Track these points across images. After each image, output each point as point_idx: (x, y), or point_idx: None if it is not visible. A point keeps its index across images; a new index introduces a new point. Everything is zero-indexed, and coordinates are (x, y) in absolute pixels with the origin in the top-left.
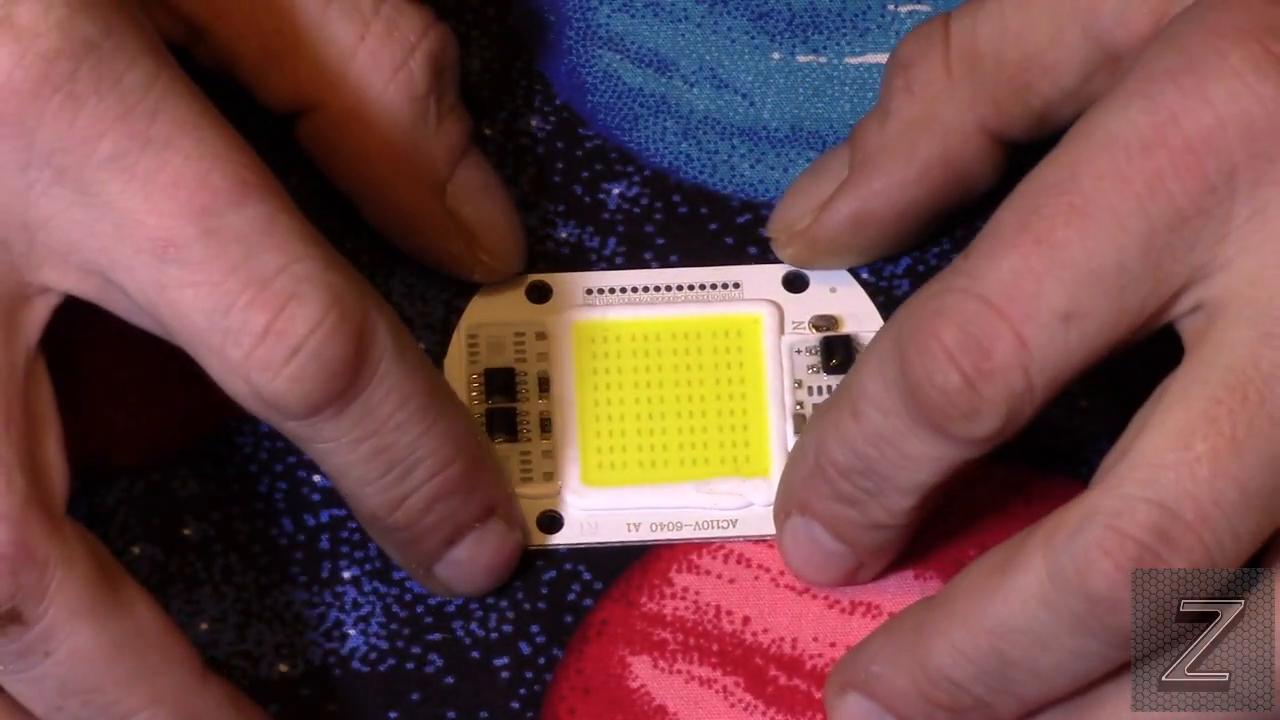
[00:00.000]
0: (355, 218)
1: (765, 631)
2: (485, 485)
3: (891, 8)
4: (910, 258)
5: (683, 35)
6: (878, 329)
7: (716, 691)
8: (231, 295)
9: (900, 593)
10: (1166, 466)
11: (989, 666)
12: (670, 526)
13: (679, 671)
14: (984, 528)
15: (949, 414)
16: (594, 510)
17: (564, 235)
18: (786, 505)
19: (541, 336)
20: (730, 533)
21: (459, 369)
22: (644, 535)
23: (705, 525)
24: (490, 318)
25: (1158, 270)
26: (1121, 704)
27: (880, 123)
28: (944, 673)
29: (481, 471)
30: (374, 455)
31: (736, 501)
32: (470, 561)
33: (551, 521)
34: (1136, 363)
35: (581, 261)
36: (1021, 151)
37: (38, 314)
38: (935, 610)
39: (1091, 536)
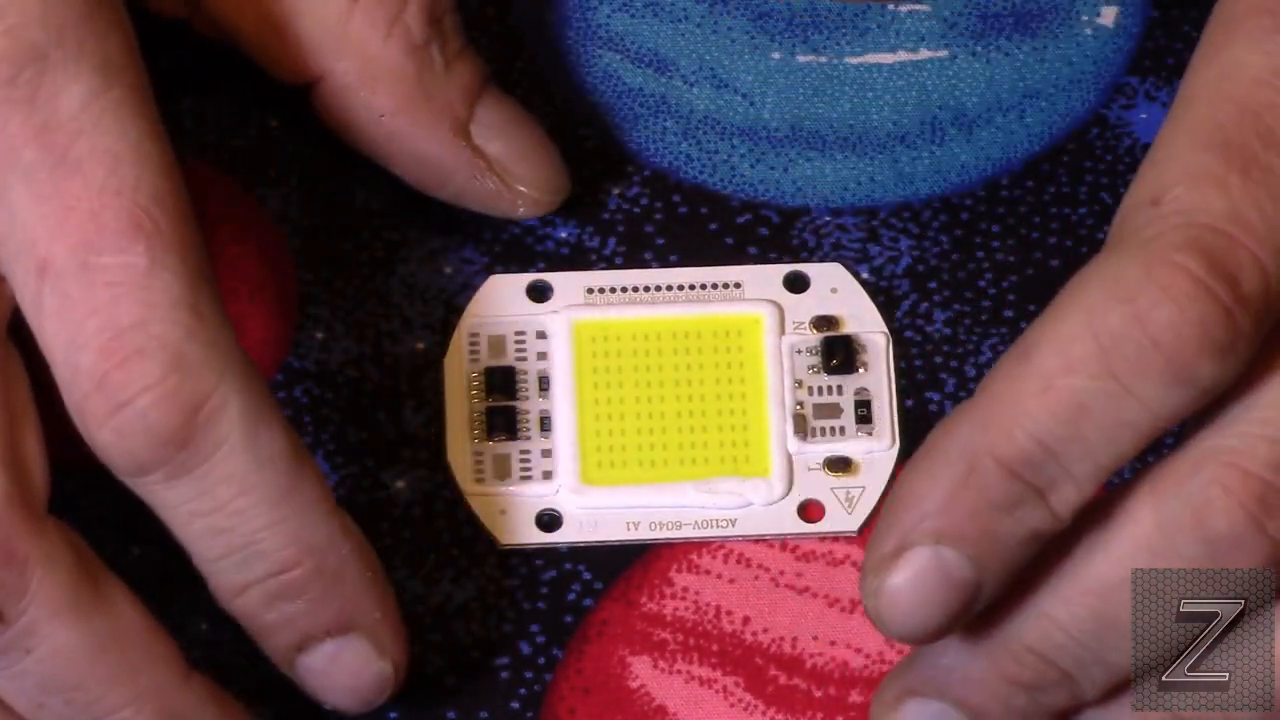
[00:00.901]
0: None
1: (765, 631)
2: (340, 599)
3: (891, 8)
4: (910, 257)
5: (683, 35)
6: (879, 329)
7: (716, 691)
8: (85, 336)
9: None
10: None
11: (1084, 632)
12: (669, 526)
13: (679, 671)
14: None
15: (1204, 350)
16: (593, 509)
17: (564, 235)
18: (908, 535)
19: (542, 335)
20: (729, 532)
21: (459, 367)
22: (643, 534)
23: (704, 525)
24: (491, 316)
25: None
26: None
27: None
28: (1030, 646)
29: (338, 583)
30: (211, 535)
31: (736, 501)
32: (324, 675)
33: (551, 520)
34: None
35: (581, 261)
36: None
37: (5, 299)
38: (1020, 591)
39: (1210, 474)
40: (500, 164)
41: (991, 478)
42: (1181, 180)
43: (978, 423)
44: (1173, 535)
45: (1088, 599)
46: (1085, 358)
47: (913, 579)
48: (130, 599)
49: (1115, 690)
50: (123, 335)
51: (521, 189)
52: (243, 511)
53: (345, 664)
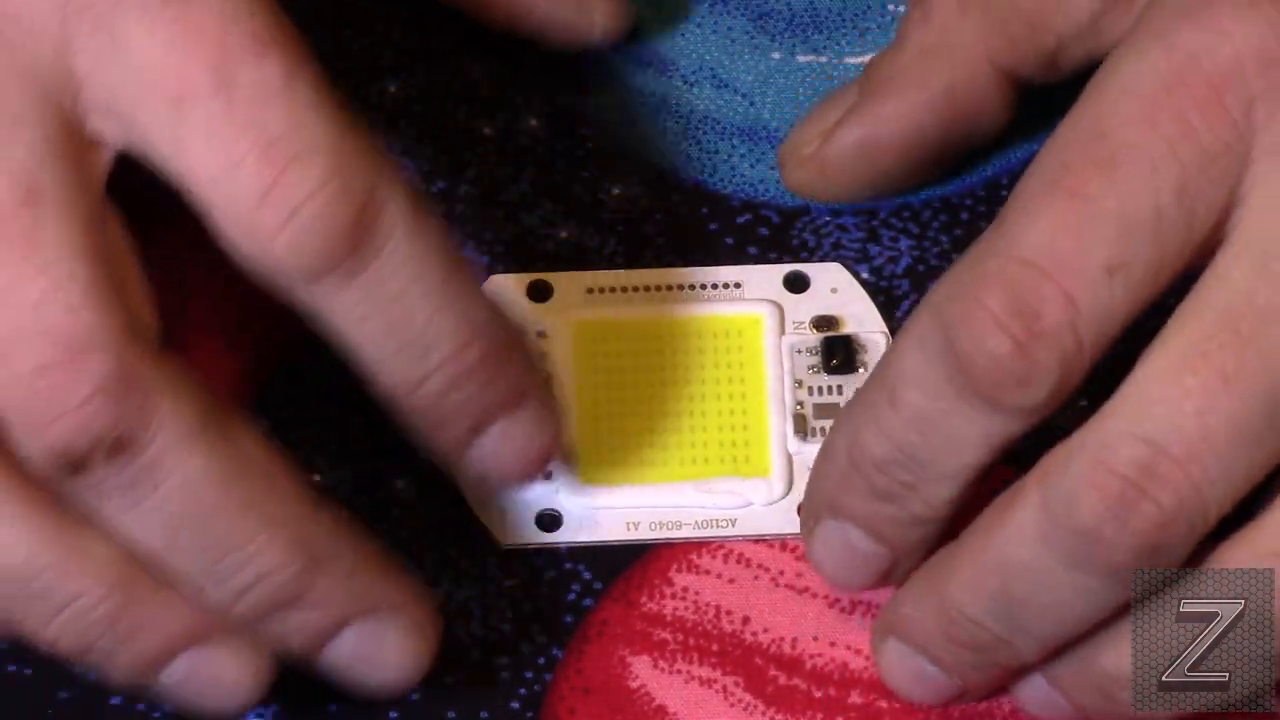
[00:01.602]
0: None
1: (765, 631)
2: (511, 372)
3: (891, 8)
4: (910, 257)
5: (683, 35)
6: (879, 329)
7: (716, 691)
8: (239, 152)
9: None
10: (1154, 401)
11: (999, 604)
12: (669, 525)
13: (679, 671)
14: None
15: (1002, 382)
16: (593, 508)
17: (564, 235)
18: (816, 510)
19: (542, 335)
20: (729, 532)
21: None
22: (643, 534)
23: (704, 525)
24: None
25: (1191, 215)
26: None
27: (894, 52)
28: (962, 610)
29: (507, 357)
30: (386, 331)
31: (736, 501)
32: (501, 451)
33: (550, 520)
34: (1136, 363)
35: (581, 261)
36: (1031, 97)
37: (102, 161)
38: (953, 550)
39: (1078, 470)
40: None
41: (867, 472)
42: (1018, 205)
43: (851, 423)
44: (1053, 524)
45: (997, 574)
46: (917, 374)
47: (827, 549)
48: (255, 431)
49: (1060, 650)
50: (276, 144)
51: (598, 18)
52: (415, 301)
53: (517, 437)
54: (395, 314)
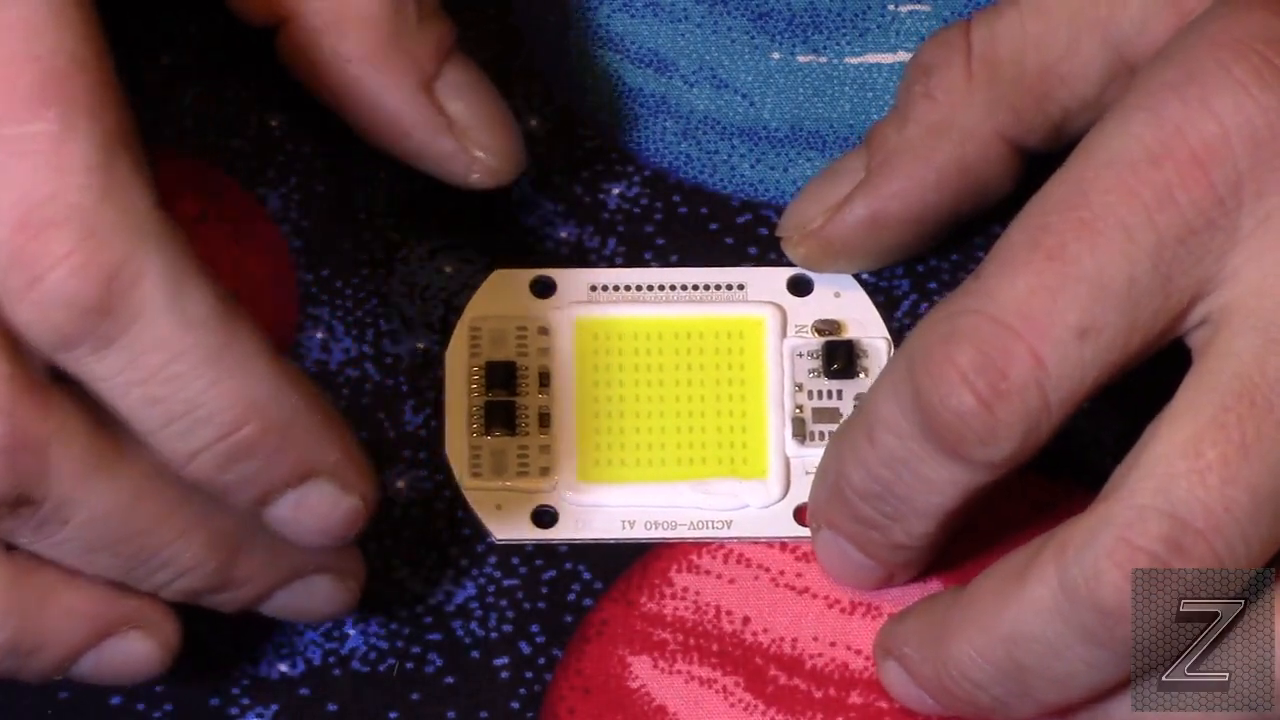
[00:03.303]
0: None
1: (765, 631)
2: (295, 450)
3: (891, 8)
4: None
5: (683, 35)
6: (880, 334)
7: (716, 691)
8: (1, 211)
9: (901, 594)
10: (1177, 475)
11: (1005, 672)
12: (665, 525)
13: (679, 671)
14: (986, 531)
15: (965, 438)
16: (589, 506)
17: (564, 235)
18: (816, 519)
19: (544, 331)
20: (725, 533)
21: (460, 361)
22: (638, 533)
23: (700, 525)
24: (493, 311)
25: (1168, 283)
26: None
27: (899, 126)
28: (964, 673)
29: (290, 435)
30: (149, 405)
31: (732, 502)
32: (292, 522)
33: (546, 516)
34: (1140, 368)
35: (581, 261)
36: (1039, 162)
37: None
38: (958, 610)
39: (1102, 548)
40: (460, 125)
41: (850, 499)
42: (994, 259)
43: (836, 452)
44: (1072, 599)
45: (1006, 646)
46: (891, 420)
47: (826, 554)
48: (146, 447)
49: (1059, 713)
50: (36, 208)
51: (479, 154)
52: (178, 377)
53: (312, 508)
54: (157, 389)
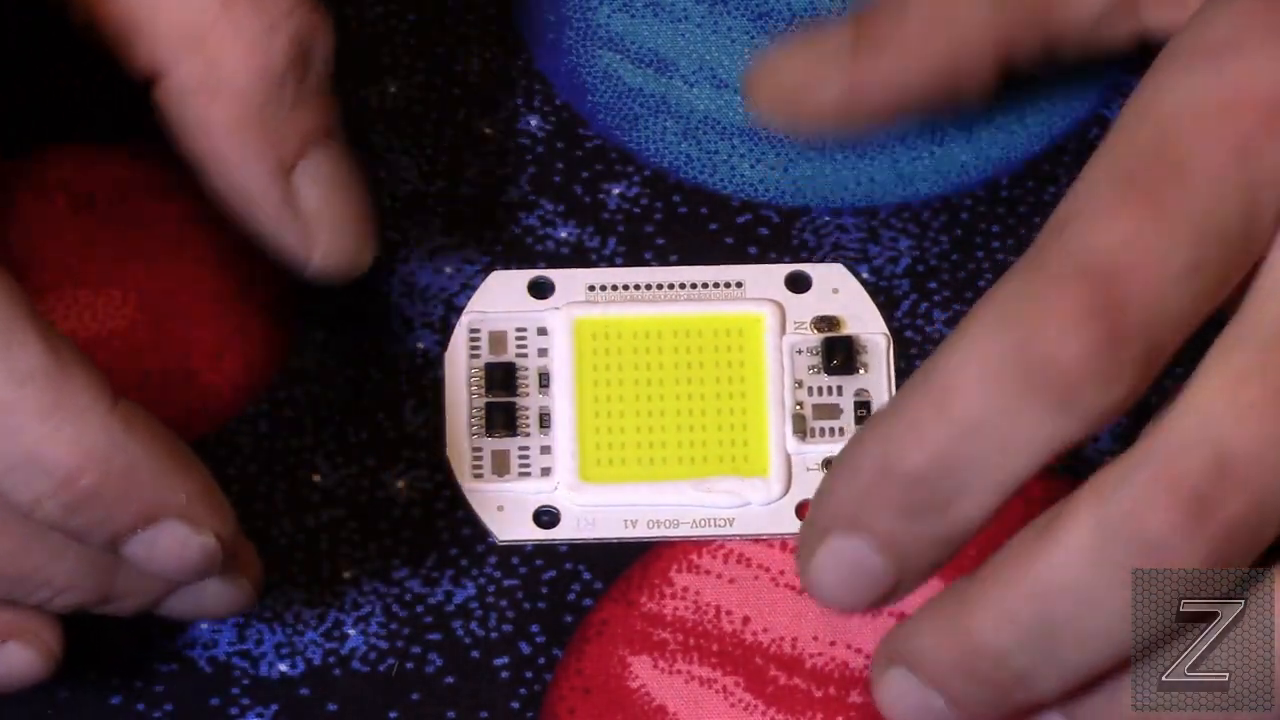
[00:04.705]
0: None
1: (765, 631)
2: (138, 494)
3: None
4: (910, 257)
5: (683, 35)
6: (880, 330)
7: (716, 691)
8: None
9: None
10: (1220, 412)
11: (1032, 634)
12: (667, 524)
13: (679, 671)
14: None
15: (1083, 380)
16: (590, 506)
17: (564, 235)
18: (827, 525)
19: (543, 332)
20: (727, 531)
21: (459, 362)
22: (640, 532)
23: (702, 524)
24: (492, 312)
25: (1253, 227)
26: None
27: (896, 13)
28: (986, 643)
29: (132, 480)
30: None
31: (734, 500)
32: (147, 560)
33: (548, 517)
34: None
35: (581, 261)
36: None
37: None
38: (979, 580)
39: (1143, 481)
40: (308, 217)
41: (895, 489)
42: (1085, 208)
43: (883, 435)
44: (1111, 538)
45: (1035, 603)
46: (974, 382)
47: (832, 565)
48: None
49: (1079, 689)
50: None
51: (318, 254)
52: (13, 429)
53: (164, 548)
54: None
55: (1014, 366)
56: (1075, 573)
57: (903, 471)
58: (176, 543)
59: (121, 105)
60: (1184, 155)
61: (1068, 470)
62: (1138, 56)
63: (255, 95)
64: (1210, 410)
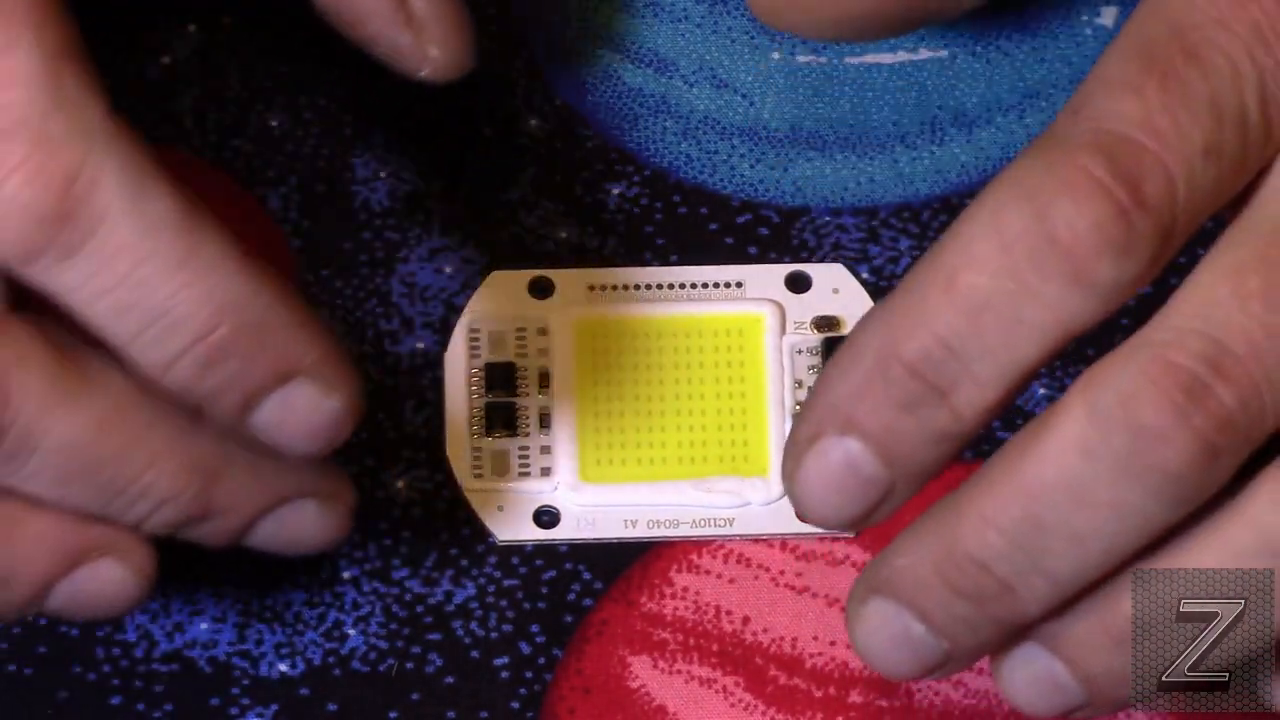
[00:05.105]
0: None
1: (765, 631)
2: (273, 348)
3: None
4: (910, 258)
5: (683, 35)
6: None
7: (716, 691)
8: None
9: None
10: (1218, 301)
11: (1019, 536)
12: (667, 524)
13: (679, 671)
14: None
15: (1103, 249)
16: (591, 506)
17: (564, 235)
18: (820, 425)
19: (543, 332)
20: (727, 531)
21: (460, 363)
22: (640, 532)
23: (702, 523)
24: (492, 312)
25: (1266, 116)
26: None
27: None
28: (969, 551)
29: (266, 334)
30: (120, 312)
31: (734, 500)
32: (278, 426)
33: (548, 517)
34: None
35: (581, 261)
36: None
37: None
38: (966, 487)
39: (1139, 366)
40: (419, 20)
41: (895, 376)
42: (1099, 88)
43: (884, 320)
44: (1102, 428)
45: (1021, 499)
46: (986, 255)
47: (822, 469)
48: (116, 370)
49: (1062, 605)
50: None
51: (432, 51)
52: (145, 281)
53: (295, 410)
54: (126, 295)
55: (1026, 240)
56: (1066, 468)
57: (905, 355)
58: (309, 404)
59: None
60: (1199, 41)
61: None
62: None
63: None
64: (1209, 298)
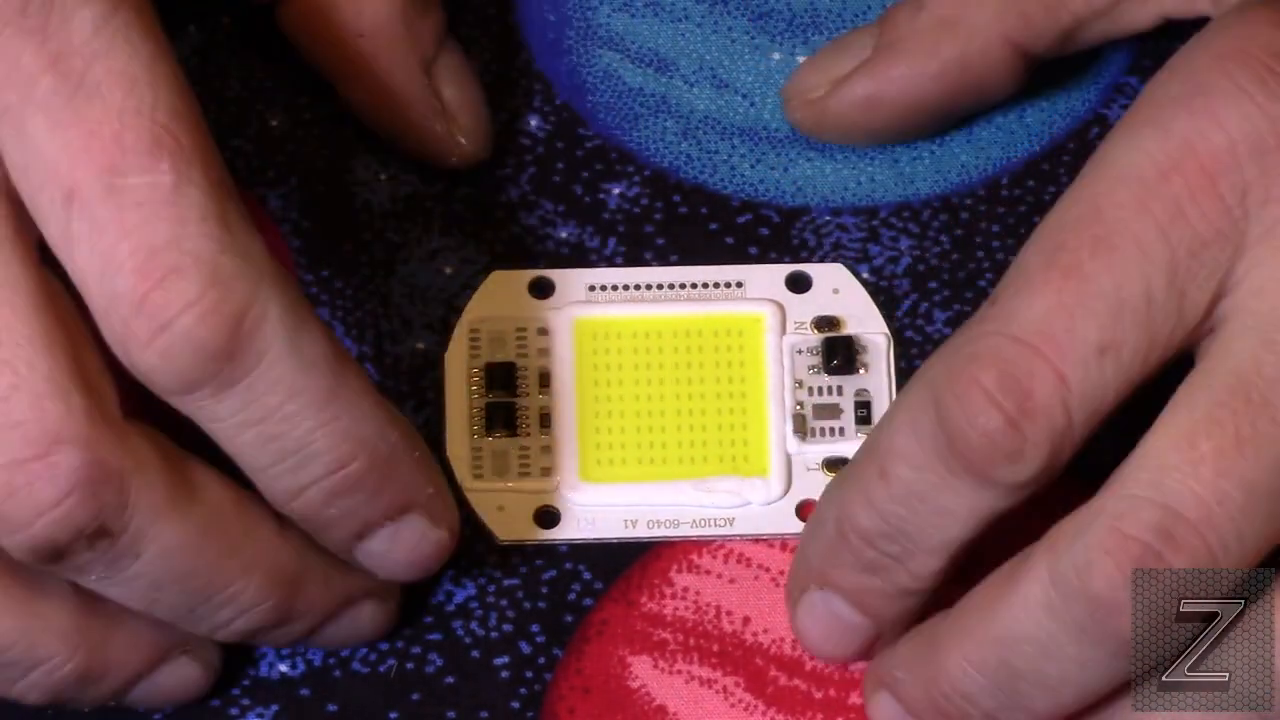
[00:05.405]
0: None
1: (765, 631)
2: (396, 485)
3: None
4: (910, 257)
5: (683, 35)
6: (880, 330)
7: (716, 691)
8: (120, 259)
9: None
10: (1170, 467)
11: (997, 679)
12: (667, 524)
13: (679, 671)
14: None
15: (992, 458)
16: (591, 506)
17: (564, 235)
18: (803, 580)
19: (543, 332)
20: (727, 531)
21: (460, 363)
22: (640, 532)
23: (702, 523)
24: (492, 312)
25: (1183, 297)
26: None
27: (912, 13)
28: (955, 686)
29: (392, 471)
30: (263, 443)
31: (734, 500)
32: (385, 555)
33: (548, 517)
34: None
35: (581, 261)
36: (1042, 68)
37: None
38: (949, 622)
39: (1093, 538)
40: (450, 110)
41: (855, 544)
42: (1015, 278)
43: (840, 495)
44: (1063, 592)
45: (997, 650)
46: (908, 450)
47: (814, 620)
48: (216, 477)
49: None
50: (157, 255)
51: (461, 140)
52: (292, 416)
53: (405, 541)
54: (272, 428)
55: (935, 441)
56: (1032, 624)
57: (856, 531)
58: (416, 536)
59: None
60: (1110, 228)
61: (1066, 471)
62: (1138, 56)
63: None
64: (1162, 464)
